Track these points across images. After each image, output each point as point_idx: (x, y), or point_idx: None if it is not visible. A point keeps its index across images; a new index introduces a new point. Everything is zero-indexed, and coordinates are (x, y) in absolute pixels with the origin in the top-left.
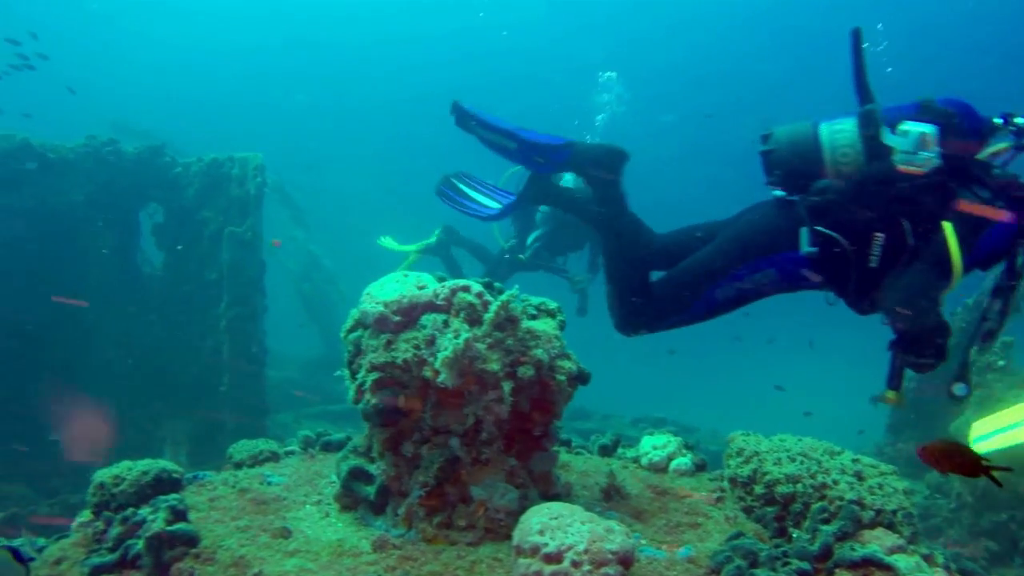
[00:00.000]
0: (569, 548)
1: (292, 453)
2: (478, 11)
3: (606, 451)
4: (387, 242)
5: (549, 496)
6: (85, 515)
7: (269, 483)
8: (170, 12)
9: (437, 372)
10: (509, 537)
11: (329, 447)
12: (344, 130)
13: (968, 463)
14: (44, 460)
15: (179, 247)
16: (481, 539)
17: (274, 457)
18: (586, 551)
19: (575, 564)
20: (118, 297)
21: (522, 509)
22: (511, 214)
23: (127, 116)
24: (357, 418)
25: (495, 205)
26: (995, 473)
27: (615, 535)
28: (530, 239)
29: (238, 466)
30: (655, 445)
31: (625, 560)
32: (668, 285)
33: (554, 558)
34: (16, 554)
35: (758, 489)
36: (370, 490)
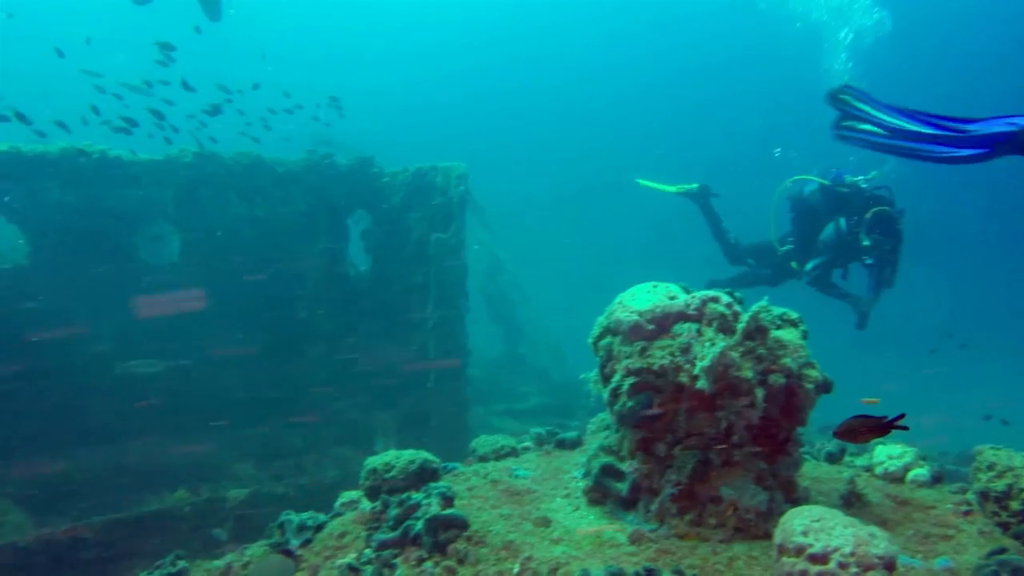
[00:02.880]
0: (835, 550)
1: (528, 449)
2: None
3: (833, 458)
4: (648, 183)
5: (792, 500)
6: (348, 495)
7: (517, 476)
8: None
9: (694, 378)
10: (759, 537)
11: (563, 444)
12: (525, 134)
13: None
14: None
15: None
16: (732, 537)
17: (514, 452)
18: (852, 554)
19: (842, 566)
20: (329, 298)
21: (770, 511)
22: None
23: (328, 130)
24: (541, 416)
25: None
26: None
27: (879, 540)
28: (810, 265)
29: (482, 459)
30: (891, 455)
31: (890, 565)
32: None
33: (820, 559)
34: (284, 551)
35: (1015, 505)
36: (621, 487)
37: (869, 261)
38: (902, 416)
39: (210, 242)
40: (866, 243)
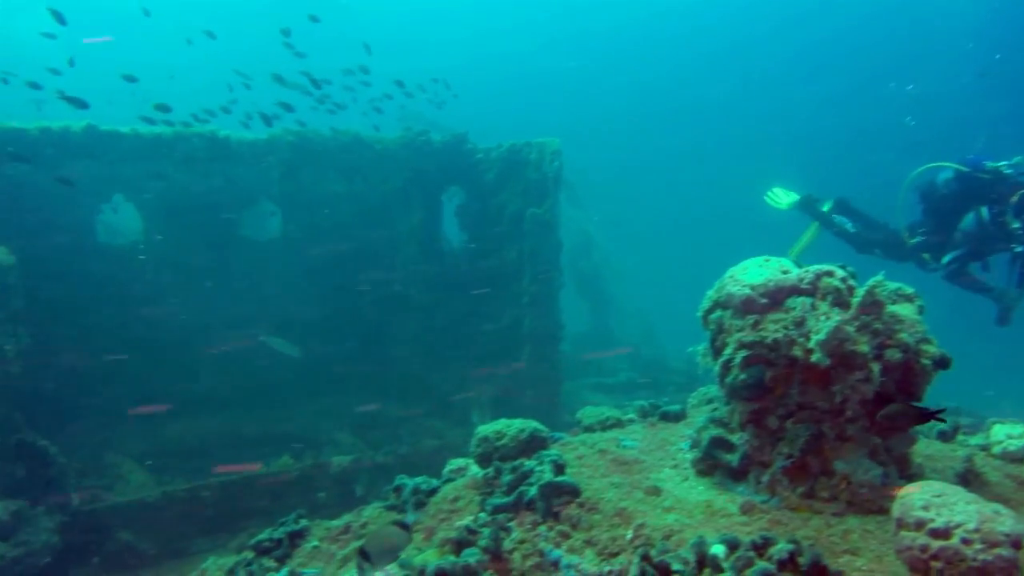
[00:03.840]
0: (958, 526)
1: (632, 421)
2: None
3: (946, 437)
4: (775, 201)
5: (906, 476)
6: (456, 462)
7: (624, 446)
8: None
9: (809, 352)
10: (873, 511)
11: (667, 417)
12: (618, 114)
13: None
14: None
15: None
16: (844, 511)
17: (619, 423)
18: (977, 530)
19: (965, 542)
20: (423, 273)
21: (884, 486)
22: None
23: (422, 108)
24: (630, 391)
25: None
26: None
27: (1005, 518)
28: (947, 258)
29: (588, 430)
30: (1010, 434)
31: (1016, 543)
32: None
33: (942, 534)
34: (401, 524)
35: None
36: (732, 458)
37: (1019, 248)
38: (943, 410)
39: (309, 218)
40: (1015, 225)
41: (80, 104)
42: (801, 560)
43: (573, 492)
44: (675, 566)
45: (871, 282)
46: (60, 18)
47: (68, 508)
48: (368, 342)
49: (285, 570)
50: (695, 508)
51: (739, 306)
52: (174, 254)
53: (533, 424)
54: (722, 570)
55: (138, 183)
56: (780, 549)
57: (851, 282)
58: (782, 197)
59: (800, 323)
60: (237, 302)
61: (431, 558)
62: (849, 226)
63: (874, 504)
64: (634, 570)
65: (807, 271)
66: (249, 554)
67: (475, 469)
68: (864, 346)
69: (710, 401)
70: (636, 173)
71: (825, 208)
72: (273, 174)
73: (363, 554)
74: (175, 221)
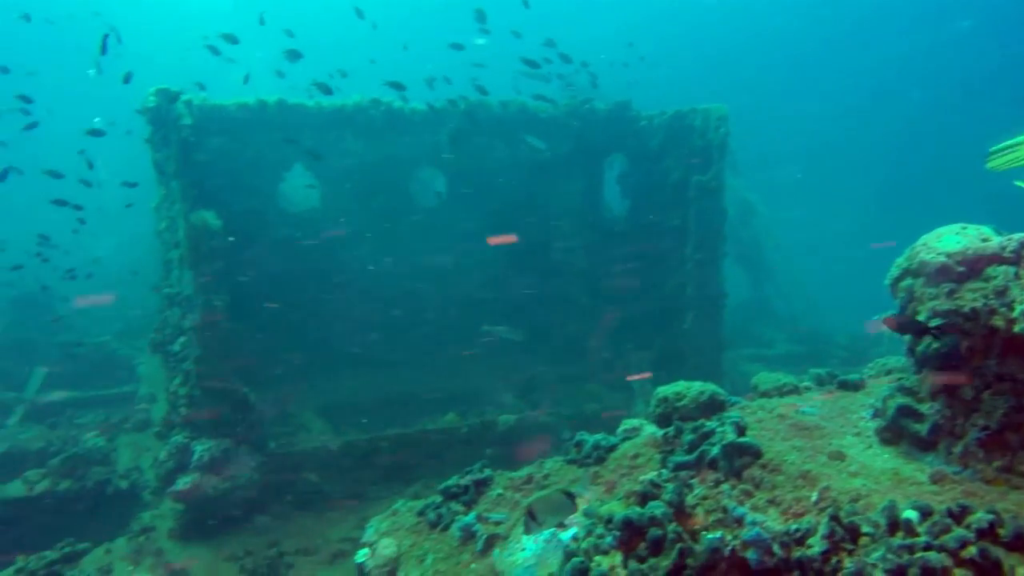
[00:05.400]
0: None
1: (809, 388)
2: None
3: None
4: None
5: None
6: (630, 422)
7: (803, 412)
8: None
9: (1011, 321)
10: None
11: (845, 386)
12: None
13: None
14: None
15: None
16: None
17: (796, 390)
18: None
19: None
20: (584, 239)
21: None
22: None
23: (585, 76)
24: (790, 363)
25: None
26: None
27: None
28: None
29: (764, 395)
30: None
31: None
32: None
33: None
34: (568, 493)
35: None
36: (920, 428)
37: None
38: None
39: (475, 185)
40: None
41: (325, 90)
42: (1002, 532)
43: (755, 453)
44: (865, 528)
45: None
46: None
47: (265, 450)
48: (528, 306)
49: (473, 514)
50: (881, 475)
51: (933, 274)
52: (348, 219)
53: (712, 387)
54: (917, 534)
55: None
56: (979, 518)
57: None
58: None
59: (1002, 292)
60: (405, 265)
61: (617, 508)
62: None
63: None
64: (823, 529)
65: (1010, 239)
66: (437, 498)
67: (649, 429)
68: None
69: (889, 372)
70: (799, 143)
71: None
72: (443, 143)
73: (530, 514)
74: (350, 188)
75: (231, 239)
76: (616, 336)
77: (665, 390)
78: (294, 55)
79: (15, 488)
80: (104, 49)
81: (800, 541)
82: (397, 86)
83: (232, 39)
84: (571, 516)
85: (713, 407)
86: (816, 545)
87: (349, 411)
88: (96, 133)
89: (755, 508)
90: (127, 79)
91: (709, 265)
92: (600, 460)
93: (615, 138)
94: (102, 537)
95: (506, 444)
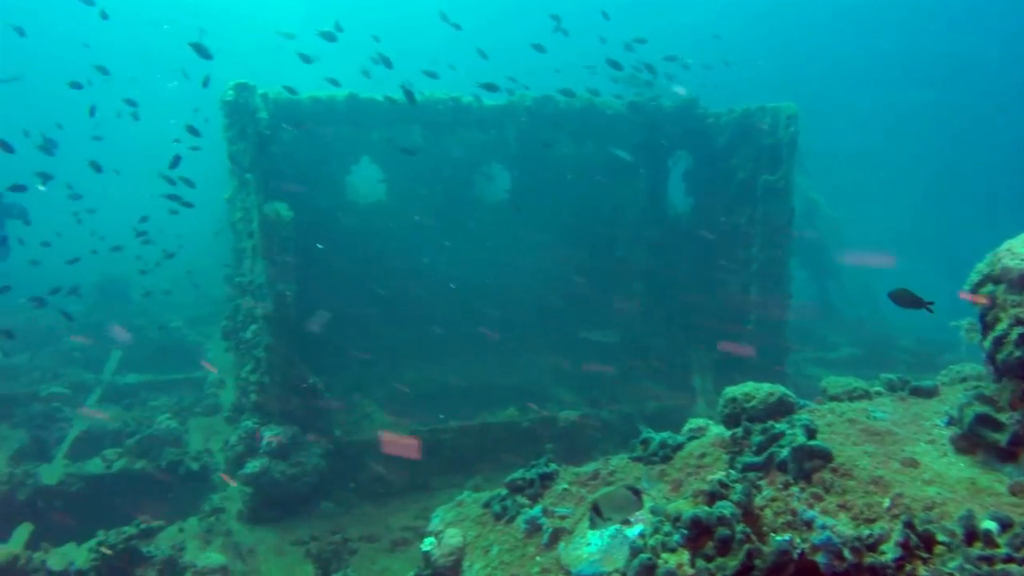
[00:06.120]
0: None
1: (880, 394)
2: None
3: None
4: None
5: None
6: (696, 422)
7: (874, 417)
8: None
9: None
10: None
11: (919, 392)
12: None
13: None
14: None
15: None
16: None
17: (866, 395)
18: None
19: None
20: (647, 236)
21: None
22: None
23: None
24: (853, 368)
25: None
26: None
27: None
28: None
29: (833, 399)
30: None
31: None
32: None
33: None
34: (634, 489)
35: None
36: (1000, 437)
37: None
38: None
39: (538, 181)
40: None
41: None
42: None
43: (825, 457)
44: (941, 536)
45: None
46: None
47: (331, 438)
48: (589, 303)
49: (539, 507)
50: (957, 484)
51: (1017, 280)
52: (413, 212)
53: (781, 388)
54: (997, 546)
55: (384, 145)
56: None
57: None
58: None
59: None
60: (468, 258)
61: (684, 507)
62: None
63: None
64: (897, 536)
65: None
66: (503, 490)
67: (716, 429)
68: None
69: (964, 379)
70: (866, 142)
71: None
72: (509, 137)
73: (596, 509)
74: (416, 181)
75: (307, 230)
76: (677, 334)
77: (733, 391)
78: (383, 59)
79: (95, 465)
80: (206, 53)
81: (872, 547)
82: (490, 87)
83: (331, 36)
84: (637, 513)
85: (782, 409)
86: (889, 552)
87: (410, 402)
88: (193, 131)
89: (825, 512)
90: (206, 83)
91: (777, 265)
92: (666, 458)
93: (681, 136)
94: (175, 516)
95: (566, 440)
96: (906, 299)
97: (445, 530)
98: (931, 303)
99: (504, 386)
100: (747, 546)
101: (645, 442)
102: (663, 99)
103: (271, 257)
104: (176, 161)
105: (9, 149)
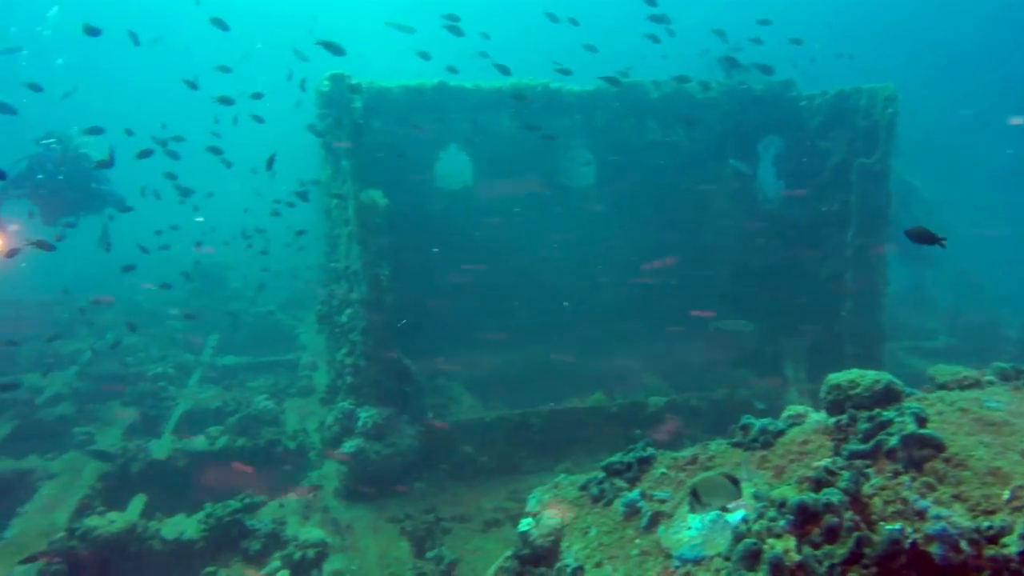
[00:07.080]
0: None
1: (992, 383)
2: None
3: None
4: None
5: None
6: (795, 408)
7: (988, 407)
8: None
9: None
10: None
11: None
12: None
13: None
14: None
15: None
16: None
17: (978, 384)
18: None
19: None
20: (736, 222)
21: None
22: None
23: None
24: (951, 358)
25: None
26: None
27: None
28: None
29: (942, 387)
30: None
31: None
32: None
33: None
34: (731, 477)
35: None
36: None
37: None
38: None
39: (624, 166)
40: None
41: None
42: None
43: (938, 446)
44: None
45: None
46: None
47: (423, 420)
48: (675, 289)
49: (637, 491)
50: None
51: None
52: (500, 199)
53: (888, 376)
54: None
55: (471, 133)
56: None
57: None
58: None
59: None
60: (552, 245)
61: (790, 493)
62: None
63: None
64: (1021, 529)
65: None
66: (599, 473)
67: (816, 416)
68: None
69: None
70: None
71: None
72: (596, 123)
73: (695, 494)
74: (502, 168)
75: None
76: (768, 321)
77: (837, 377)
78: (498, 68)
79: (200, 442)
80: (338, 50)
81: (993, 539)
82: (613, 82)
83: (456, 30)
84: (737, 500)
85: (889, 397)
86: (1013, 545)
87: (495, 385)
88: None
89: (938, 502)
90: (289, 77)
91: (871, 251)
92: (767, 444)
93: (771, 119)
94: (275, 492)
95: (655, 425)
96: (922, 236)
97: (543, 511)
98: (944, 238)
99: (588, 371)
100: (856, 534)
101: (745, 428)
102: (753, 83)
103: (367, 243)
104: (271, 162)
105: (147, 154)
